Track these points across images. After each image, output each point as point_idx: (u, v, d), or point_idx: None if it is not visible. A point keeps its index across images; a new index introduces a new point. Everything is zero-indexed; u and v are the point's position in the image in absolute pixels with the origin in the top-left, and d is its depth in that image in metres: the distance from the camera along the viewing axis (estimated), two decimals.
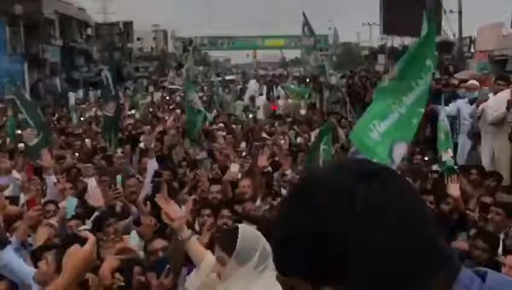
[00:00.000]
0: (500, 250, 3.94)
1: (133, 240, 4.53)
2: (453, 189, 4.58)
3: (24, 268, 3.57)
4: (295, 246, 0.75)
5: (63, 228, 4.57)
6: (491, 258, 3.78)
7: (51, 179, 5.73)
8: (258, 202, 5.49)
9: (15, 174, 6.51)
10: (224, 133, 10.01)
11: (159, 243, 3.86)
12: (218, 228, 4.19)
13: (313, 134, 10.04)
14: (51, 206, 5.04)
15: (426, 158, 7.06)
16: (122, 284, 3.05)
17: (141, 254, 4.22)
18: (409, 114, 4.44)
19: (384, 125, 4.41)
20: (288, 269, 0.78)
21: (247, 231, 2.38)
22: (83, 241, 1.81)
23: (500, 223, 4.34)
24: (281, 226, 0.79)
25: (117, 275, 3.03)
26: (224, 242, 2.34)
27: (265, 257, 2.28)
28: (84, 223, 4.72)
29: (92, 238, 1.83)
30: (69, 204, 5.13)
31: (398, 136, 4.42)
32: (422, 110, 4.52)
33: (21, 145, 8.85)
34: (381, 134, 4.40)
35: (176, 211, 2.78)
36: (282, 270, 0.79)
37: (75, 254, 1.78)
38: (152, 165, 6.22)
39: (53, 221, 4.58)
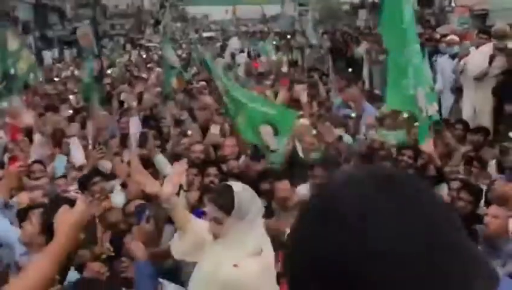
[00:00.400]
0: (482, 202, 4.03)
1: (117, 198, 4.50)
2: (426, 145, 4.63)
3: (10, 231, 3.51)
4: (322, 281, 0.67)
5: (52, 188, 4.54)
6: (473, 210, 3.86)
7: (37, 137, 5.65)
8: (242, 159, 5.54)
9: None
10: (206, 92, 9.90)
11: (136, 204, 3.85)
12: (205, 186, 4.18)
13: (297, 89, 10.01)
14: (37, 167, 4.96)
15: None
16: (112, 254, 3.03)
17: None
18: (414, 57, 4.56)
19: (412, 79, 4.53)
20: None
21: (241, 189, 2.41)
22: (72, 202, 1.75)
23: (478, 176, 4.45)
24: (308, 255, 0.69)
25: (107, 245, 3.01)
26: (220, 202, 2.35)
27: (259, 211, 2.40)
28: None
29: (82, 199, 1.77)
30: (59, 162, 5.07)
31: (419, 84, 4.57)
32: (418, 46, 4.64)
33: (3, 105, 8.70)
34: (414, 86, 4.54)
35: (153, 184, 2.68)
36: None
37: (65, 218, 1.70)
38: (135, 123, 6.12)
39: (40, 182, 4.52)
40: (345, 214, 0.67)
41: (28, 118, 6.05)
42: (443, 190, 4.54)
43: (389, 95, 4.84)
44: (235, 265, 2.26)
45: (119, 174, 4.84)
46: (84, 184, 4.37)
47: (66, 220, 1.69)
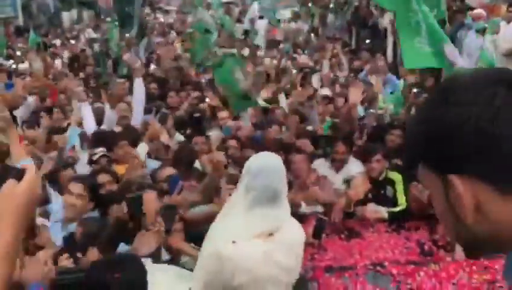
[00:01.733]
0: None
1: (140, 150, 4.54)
2: None
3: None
4: (430, 138, 0.79)
5: (61, 156, 4.57)
6: None
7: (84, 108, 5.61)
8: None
9: (29, 99, 6.47)
10: None
11: (168, 171, 3.87)
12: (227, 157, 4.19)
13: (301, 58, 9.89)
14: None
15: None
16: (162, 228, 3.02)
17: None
18: (426, 18, 4.54)
19: (424, 37, 4.52)
20: (418, 161, 0.83)
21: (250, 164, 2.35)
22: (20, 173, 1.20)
23: None
24: (417, 122, 0.83)
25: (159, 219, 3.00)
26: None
27: (270, 189, 2.25)
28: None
29: (31, 168, 1.22)
30: (72, 133, 5.07)
31: (438, 39, 4.53)
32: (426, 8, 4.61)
33: (21, 66, 8.73)
34: (429, 44, 4.52)
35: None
36: (411, 165, 0.85)
37: (11, 197, 1.16)
38: (139, 84, 6.00)
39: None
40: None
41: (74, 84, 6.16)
42: None
43: (405, 57, 4.83)
44: (233, 241, 2.17)
45: (150, 136, 4.88)
46: (109, 147, 4.41)
47: (11, 201, 1.16)
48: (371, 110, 6.27)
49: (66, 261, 2.68)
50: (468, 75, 0.83)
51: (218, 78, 5.81)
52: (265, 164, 2.30)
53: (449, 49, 4.47)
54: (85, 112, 5.44)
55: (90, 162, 4.45)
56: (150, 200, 2.96)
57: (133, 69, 6.60)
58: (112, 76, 7.98)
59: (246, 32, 14.28)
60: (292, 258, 2.24)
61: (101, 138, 4.74)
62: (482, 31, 7.23)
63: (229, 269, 2.11)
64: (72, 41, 14.02)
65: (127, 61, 8.23)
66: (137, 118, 5.59)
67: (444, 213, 0.81)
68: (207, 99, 6.72)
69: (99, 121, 5.64)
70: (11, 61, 10.57)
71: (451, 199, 0.78)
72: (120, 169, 4.27)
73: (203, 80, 8.09)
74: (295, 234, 2.31)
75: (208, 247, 2.28)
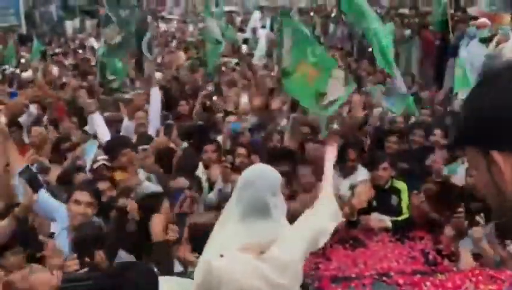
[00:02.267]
0: None
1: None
2: None
3: (52, 203, 3.54)
4: (471, 122, 0.93)
5: (73, 163, 4.57)
6: None
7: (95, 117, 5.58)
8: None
9: (31, 108, 6.45)
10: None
11: (181, 182, 3.86)
12: (237, 167, 4.17)
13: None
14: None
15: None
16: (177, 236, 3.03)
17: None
18: (378, 39, 5.04)
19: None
20: (465, 142, 0.96)
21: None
22: None
23: None
24: (461, 110, 0.99)
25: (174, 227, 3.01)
26: None
27: (259, 204, 2.28)
28: None
29: None
30: (90, 146, 5.05)
31: (389, 60, 5.07)
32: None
33: (24, 74, 8.73)
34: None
35: None
36: (461, 144, 0.98)
37: None
38: (155, 93, 6.04)
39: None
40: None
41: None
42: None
43: (376, 58, 5.17)
44: (221, 255, 2.17)
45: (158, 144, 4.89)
46: (113, 154, 4.39)
47: None
48: (375, 109, 6.32)
49: (74, 266, 2.67)
50: (503, 65, 0.96)
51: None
52: (257, 176, 2.32)
53: (396, 72, 4.98)
54: (97, 122, 5.42)
55: (91, 169, 4.45)
56: (156, 223, 2.94)
57: (150, 78, 6.63)
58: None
59: (245, 41, 14.29)
60: (285, 276, 2.21)
61: (114, 145, 4.72)
62: (487, 40, 7.24)
63: (217, 280, 2.13)
64: (80, 51, 14.05)
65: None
66: (154, 127, 5.62)
67: (487, 187, 0.94)
68: (214, 98, 6.80)
69: (117, 130, 5.68)
70: (11, 68, 10.58)
71: (493, 173, 0.91)
72: (119, 175, 4.27)
73: (209, 88, 8.08)
74: (290, 252, 2.26)
75: (202, 257, 2.33)
